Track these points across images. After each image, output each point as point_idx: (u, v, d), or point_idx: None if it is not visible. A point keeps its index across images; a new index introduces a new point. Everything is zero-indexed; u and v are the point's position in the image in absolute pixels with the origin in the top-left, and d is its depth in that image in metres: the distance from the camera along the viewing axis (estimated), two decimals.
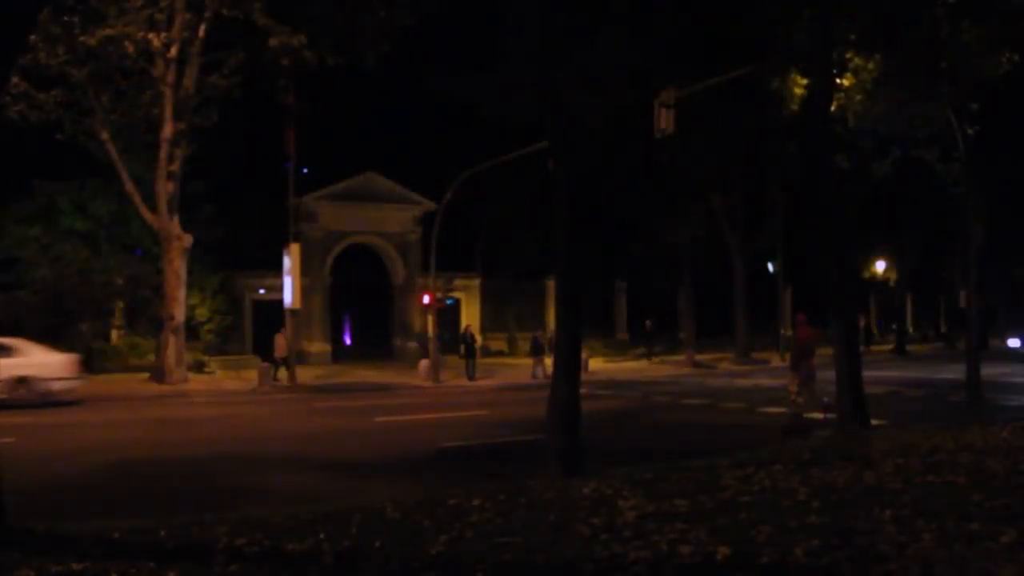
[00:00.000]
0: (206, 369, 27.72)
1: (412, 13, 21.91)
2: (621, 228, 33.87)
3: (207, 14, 22.60)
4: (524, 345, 35.72)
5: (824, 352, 15.56)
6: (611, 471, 8.66)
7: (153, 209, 24.10)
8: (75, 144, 23.77)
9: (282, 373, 25.02)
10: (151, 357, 26.19)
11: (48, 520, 6.86)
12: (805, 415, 14.50)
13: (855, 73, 13.15)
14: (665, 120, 18.31)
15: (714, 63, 19.86)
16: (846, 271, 13.24)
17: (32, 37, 18.81)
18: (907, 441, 10.17)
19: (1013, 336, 32.64)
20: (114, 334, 29.61)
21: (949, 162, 17.89)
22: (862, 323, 36.06)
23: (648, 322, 36.60)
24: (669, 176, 28.61)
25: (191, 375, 25.23)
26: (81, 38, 21.40)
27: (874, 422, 12.75)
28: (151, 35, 22.12)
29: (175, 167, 23.97)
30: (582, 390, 9.63)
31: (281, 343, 25.51)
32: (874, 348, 39.68)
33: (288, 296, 25.86)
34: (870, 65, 13.00)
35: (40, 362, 19.11)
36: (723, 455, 9.97)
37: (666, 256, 35.09)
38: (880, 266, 43.04)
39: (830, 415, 13.88)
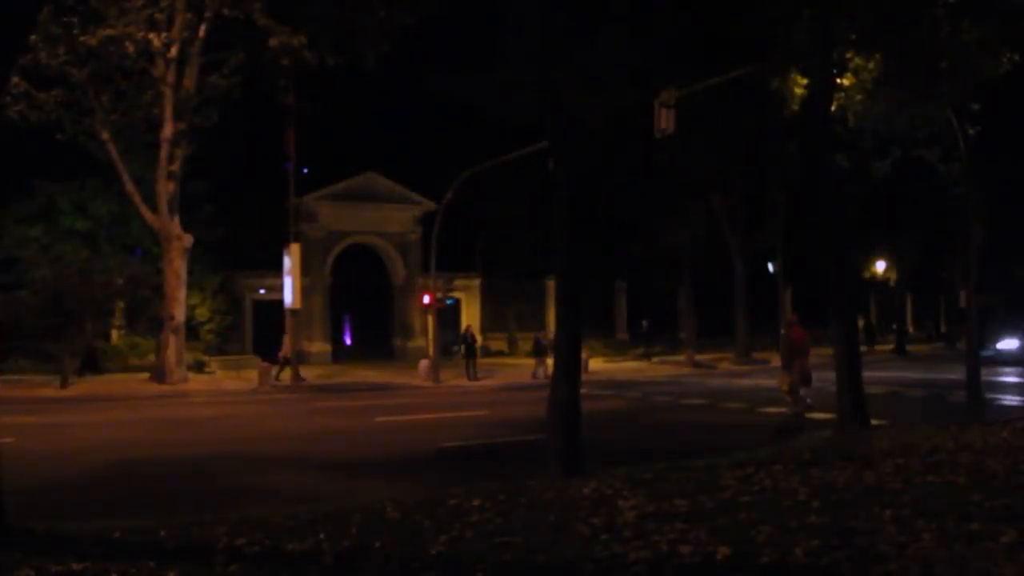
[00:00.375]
0: (206, 369, 27.73)
1: (412, 13, 21.90)
2: (621, 228, 33.84)
3: (207, 14, 22.60)
4: (524, 345, 35.69)
5: (824, 352, 15.57)
6: (611, 471, 8.67)
7: (153, 209, 24.10)
8: (75, 144, 23.77)
9: (285, 373, 25.03)
10: (151, 357, 26.19)
11: (48, 520, 6.86)
12: (805, 415, 14.52)
13: (855, 73, 13.14)
14: (665, 120, 18.31)
15: (714, 63, 19.86)
16: (846, 271, 13.23)
17: (32, 37, 18.80)
18: (907, 441, 10.17)
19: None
20: (114, 334, 29.61)
21: (950, 162, 17.86)
22: (860, 323, 36.00)
23: (644, 322, 36.61)
24: (669, 176, 28.62)
25: (191, 375, 25.23)
26: (81, 38, 21.40)
27: (874, 422, 12.75)
28: (151, 35, 22.12)
29: (175, 167, 23.97)
30: (582, 390, 9.63)
31: (288, 343, 25.66)
32: (878, 348, 39.65)
33: (288, 296, 25.88)
34: (870, 65, 12.99)
35: None
36: (723, 455, 9.98)
37: (666, 256, 35.09)
38: (880, 266, 43.03)
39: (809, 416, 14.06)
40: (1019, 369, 25.24)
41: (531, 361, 27.39)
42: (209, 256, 29.71)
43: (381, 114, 40.37)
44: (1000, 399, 18.11)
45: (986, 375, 22.33)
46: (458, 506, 7.02)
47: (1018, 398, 18.77)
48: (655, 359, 34.37)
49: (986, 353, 28.64)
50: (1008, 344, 29.48)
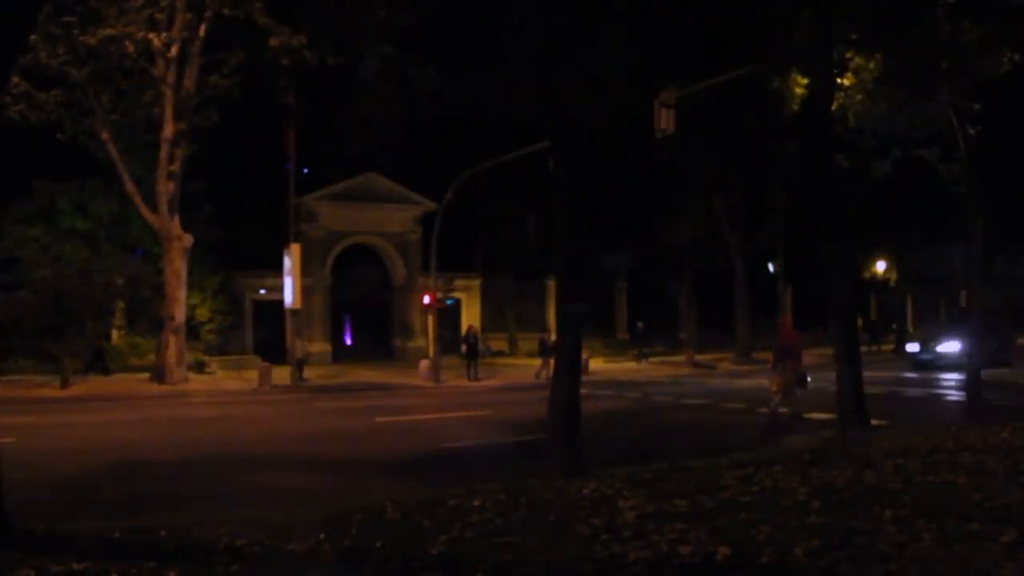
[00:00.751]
0: (206, 369, 27.72)
1: (412, 13, 21.90)
2: (621, 228, 33.86)
3: (207, 14, 22.59)
4: (524, 345, 35.71)
5: (824, 352, 15.56)
6: (611, 471, 8.67)
7: (153, 209, 24.10)
8: (75, 144, 23.75)
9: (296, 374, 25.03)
10: (151, 357, 26.19)
11: (48, 520, 6.86)
12: (803, 415, 14.53)
13: (855, 73, 13.17)
14: (665, 120, 18.30)
15: (714, 63, 19.88)
16: (846, 271, 13.24)
17: (32, 37, 18.78)
18: (907, 441, 10.18)
19: (913, 341, 30.29)
20: (115, 334, 29.61)
21: (950, 162, 17.87)
22: (861, 322, 35.95)
23: (640, 324, 36.62)
24: (669, 176, 28.65)
25: (191, 375, 25.22)
26: (81, 38, 21.39)
27: (874, 422, 12.75)
28: (151, 35, 22.11)
29: (175, 167, 23.96)
30: (582, 390, 9.63)
31: (298, 344, 25.77)
32: (884, 347, 39.61)
33: (288, 296, 25.87)
34: (870, 65, 13.02)
35: None
36: (723, 455, 9.99)
37: (666, 256, 35.09)
38: (880, 266, 43.03)
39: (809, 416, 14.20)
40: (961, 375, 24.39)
41: (533, 361, 27.40)
42: (209, 256, 29.69)
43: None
44: (1001, 399, 18.07)
45: (921, 379, 22.29)
46: (458, 506, 7.02)
47: (1020, 398, 18.73)
48: (654, 359, 34.33)
49: (924, 356, 27.35)
50: (948, 347, 26.63)
